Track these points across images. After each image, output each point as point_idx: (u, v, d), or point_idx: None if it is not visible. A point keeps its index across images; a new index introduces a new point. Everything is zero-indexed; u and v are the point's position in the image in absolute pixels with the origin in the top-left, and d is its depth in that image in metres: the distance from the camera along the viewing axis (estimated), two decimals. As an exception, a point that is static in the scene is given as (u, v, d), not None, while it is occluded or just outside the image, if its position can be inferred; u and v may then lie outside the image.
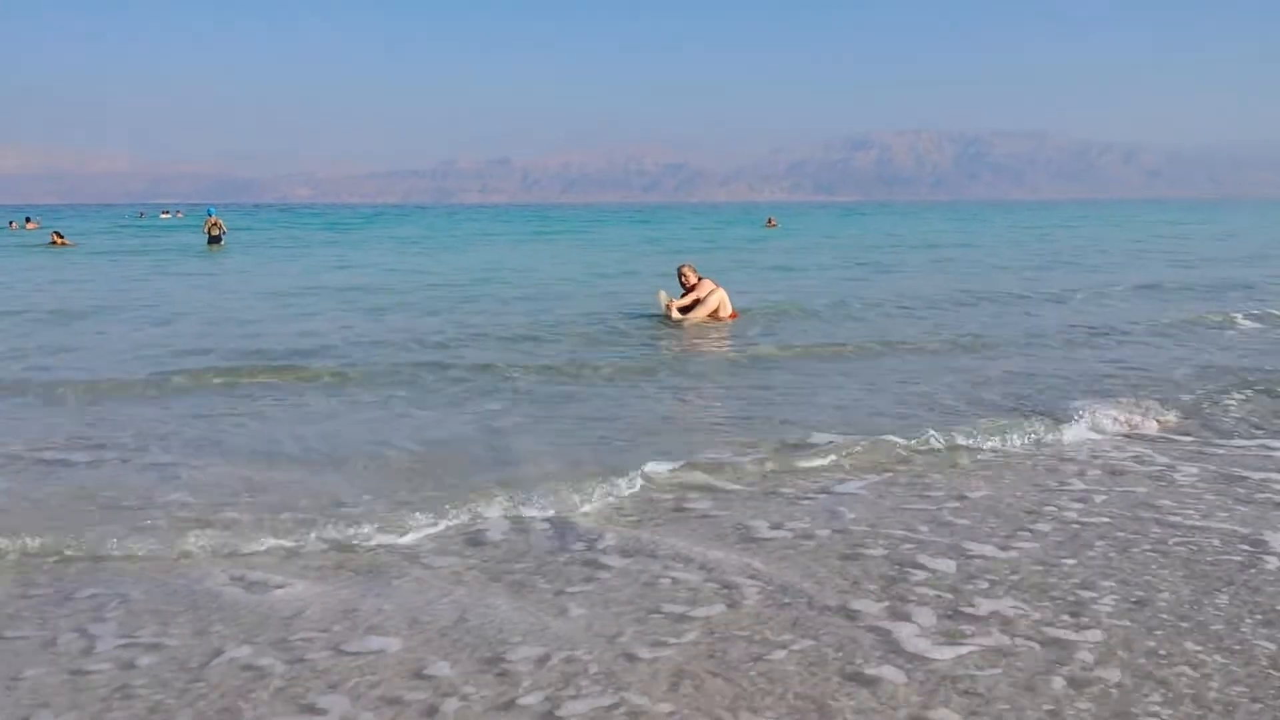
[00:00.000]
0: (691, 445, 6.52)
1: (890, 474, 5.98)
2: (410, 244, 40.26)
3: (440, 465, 6.17)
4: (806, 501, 5.43)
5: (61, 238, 37.16)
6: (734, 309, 13.43)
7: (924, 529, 4.92)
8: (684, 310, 13.16)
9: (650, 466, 5.92)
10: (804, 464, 6.15)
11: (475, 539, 4.87)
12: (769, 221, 60.39)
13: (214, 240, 36.25)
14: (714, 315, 13.18)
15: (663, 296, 13.49)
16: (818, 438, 6.62)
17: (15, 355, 10.73)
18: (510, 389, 8.65)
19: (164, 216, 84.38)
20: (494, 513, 5.19)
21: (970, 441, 6.60)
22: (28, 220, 60.26)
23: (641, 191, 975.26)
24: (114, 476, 5.99)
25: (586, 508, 5.30)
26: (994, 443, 6.60)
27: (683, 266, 13.79)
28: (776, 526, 4.99)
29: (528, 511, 5.21)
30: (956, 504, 5.34)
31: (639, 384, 8.93)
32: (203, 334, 12.31)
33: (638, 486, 5.67)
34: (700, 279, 13.49)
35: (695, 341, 11.75)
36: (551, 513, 5.21)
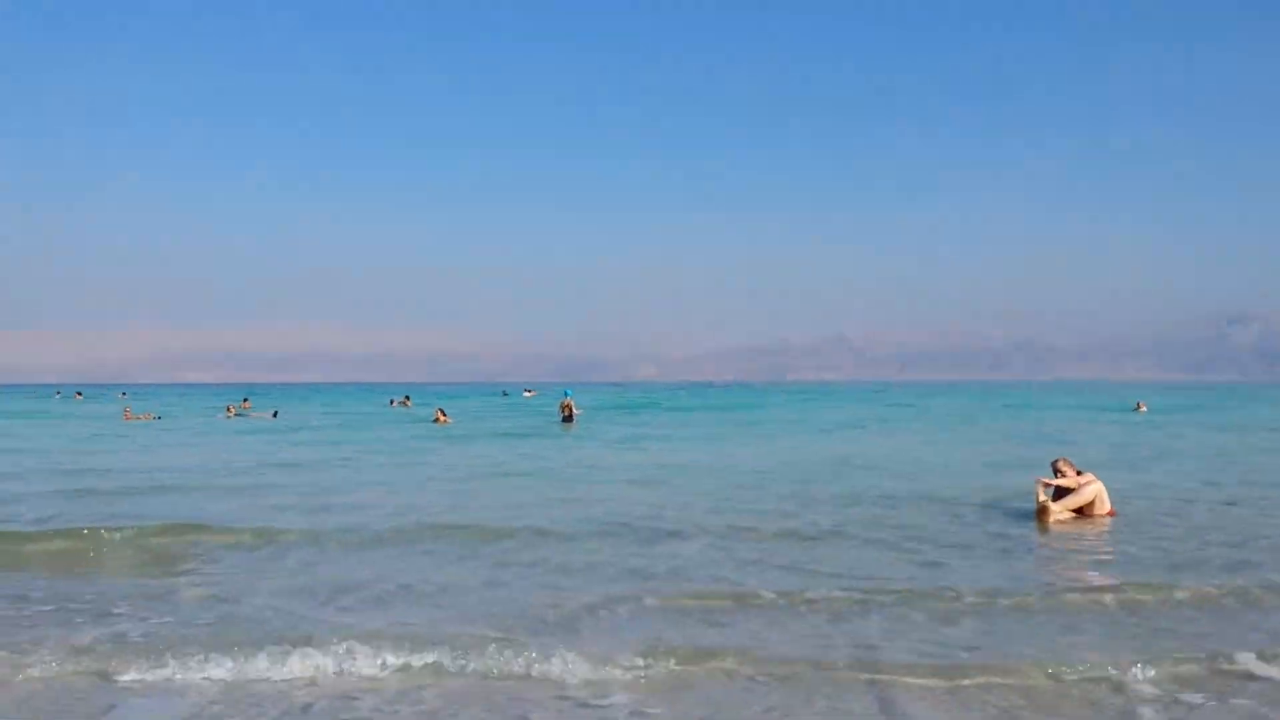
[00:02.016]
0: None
1: None
2: (761, 423, 39.66)
3: None
4: None
5: (445, 415, 39.91)
6: (1111, 506, 12.26)
7: None
8: (1058, 494, 12.09)
9: None
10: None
11: None
12: (1138, 406, 54.53)
13: (567, 419, 37.70)
14: (1088, 509, 12.03)
15: (1040, 492, 12.16)
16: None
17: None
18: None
19: (526, 395, 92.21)
20: None
21: None
22: (406, 398, 67.64)
23: (986, 368, 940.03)
24: None
25: None
26: None
27: (1058, 461, 12.87)
28: None
29: None
30: None
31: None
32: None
33: None
34: (1079, 474, 12.48)
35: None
36: None
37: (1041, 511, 11.90)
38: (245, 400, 65.94)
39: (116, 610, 8.01)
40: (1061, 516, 11.94)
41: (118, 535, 11.31)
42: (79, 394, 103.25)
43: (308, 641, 6.77)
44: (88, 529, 11.53)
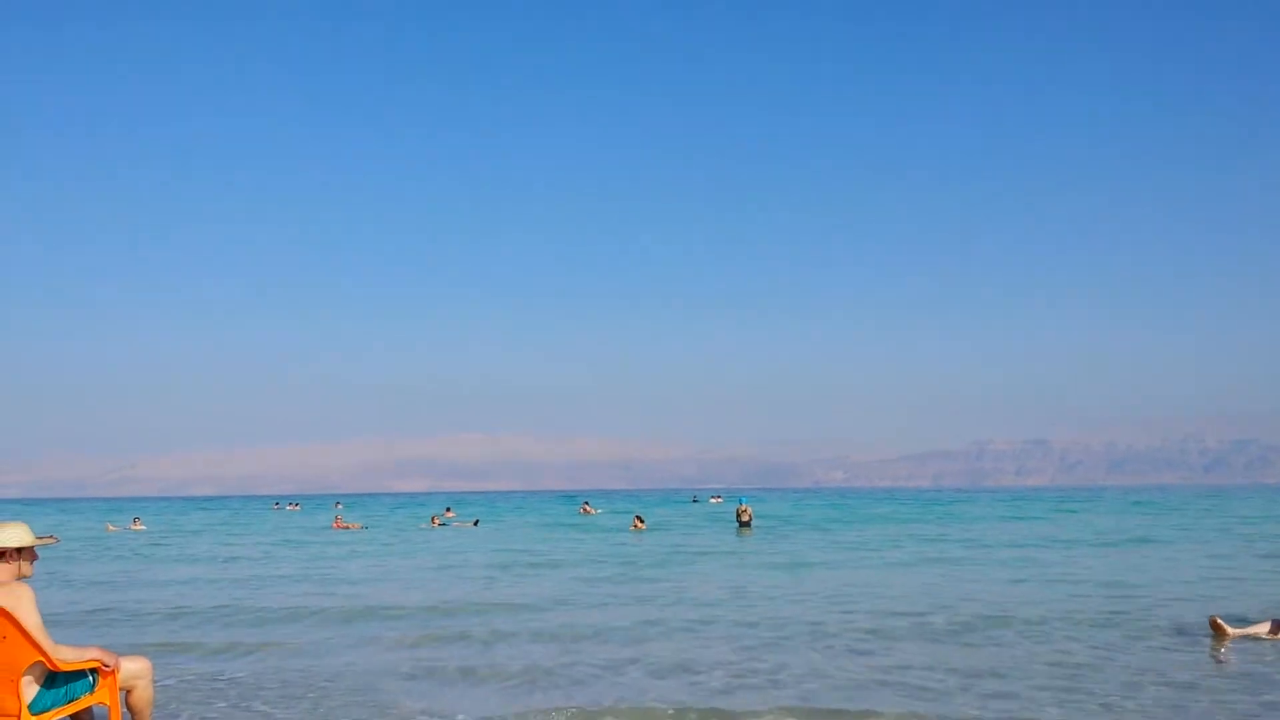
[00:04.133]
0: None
1: None
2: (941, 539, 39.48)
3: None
4: None
5: (641, 522, 41.62)
6: None
7: None
8: None
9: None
10: None
11: None
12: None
13: (744, 525, 38.93)
14: None
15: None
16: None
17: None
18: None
19: (713, 501, 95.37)
20: None
21: None
22: (586, 503, 70.95)
23: (1202, 471, 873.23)
24: None
25: None
26: None
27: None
28: None
29: None
30: None
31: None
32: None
33: None
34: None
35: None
36: None
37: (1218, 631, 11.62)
38: (448, 509, 69.70)
39: None
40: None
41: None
42: (296, 505, 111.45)
43: None
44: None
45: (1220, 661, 10.39)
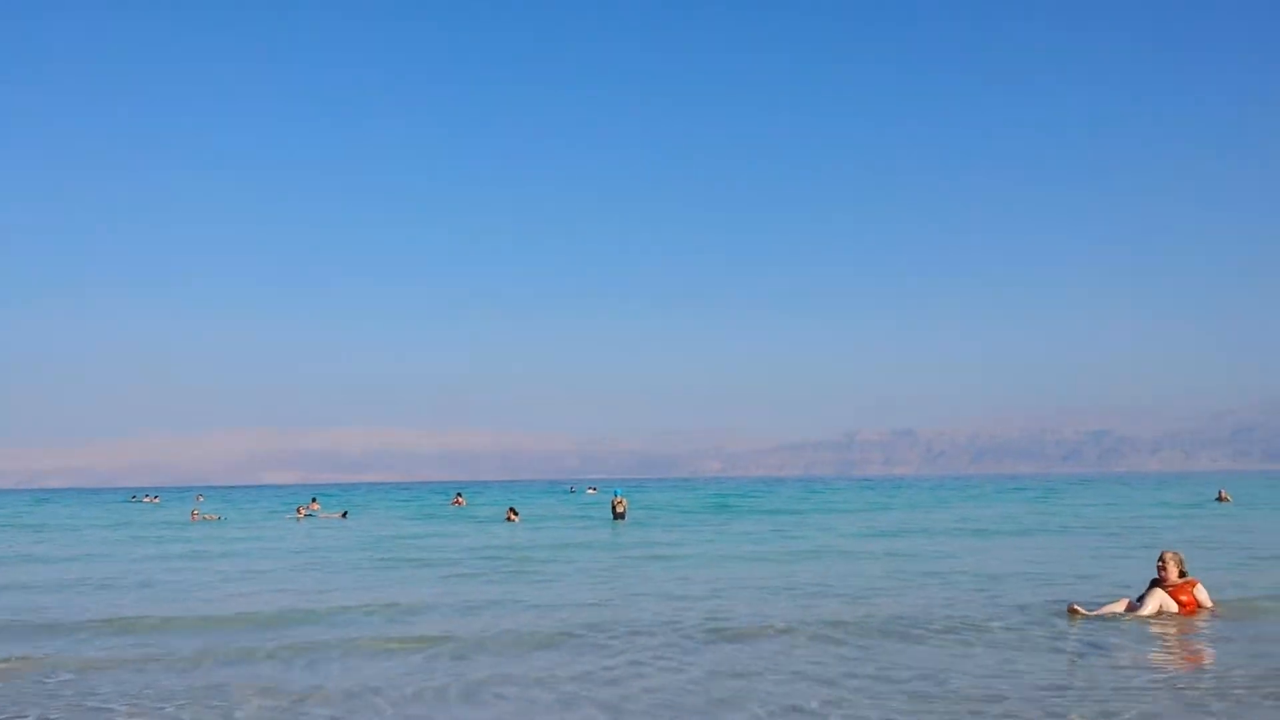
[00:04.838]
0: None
1: None
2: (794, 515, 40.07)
3: None
4: None
5: (515, 514, 41.59)
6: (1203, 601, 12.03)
7: None
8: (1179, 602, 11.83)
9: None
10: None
11: None
12: (1220, 495, 53.59)
13: (618, 516, 38.93)
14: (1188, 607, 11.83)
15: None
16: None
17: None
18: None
19: (590, 492, 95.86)
20: None
21: None
22: (459, 495, 70.28)
23: (1059, 461, 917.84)
24: None
25: None
26: None
27: (1166, 552, 12.38)
28: None
29: None
30: None
31: None
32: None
33: None
34: (1183, 575, 12.13)
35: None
36: None
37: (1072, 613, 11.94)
38: (314, 501, 67.87)
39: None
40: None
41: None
42: (155, 497, 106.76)
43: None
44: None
45: (1079, 644, 10.41)
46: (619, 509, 39.42)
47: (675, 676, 9.19)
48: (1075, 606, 12.08)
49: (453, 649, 10.71)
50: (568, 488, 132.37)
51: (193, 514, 52.83)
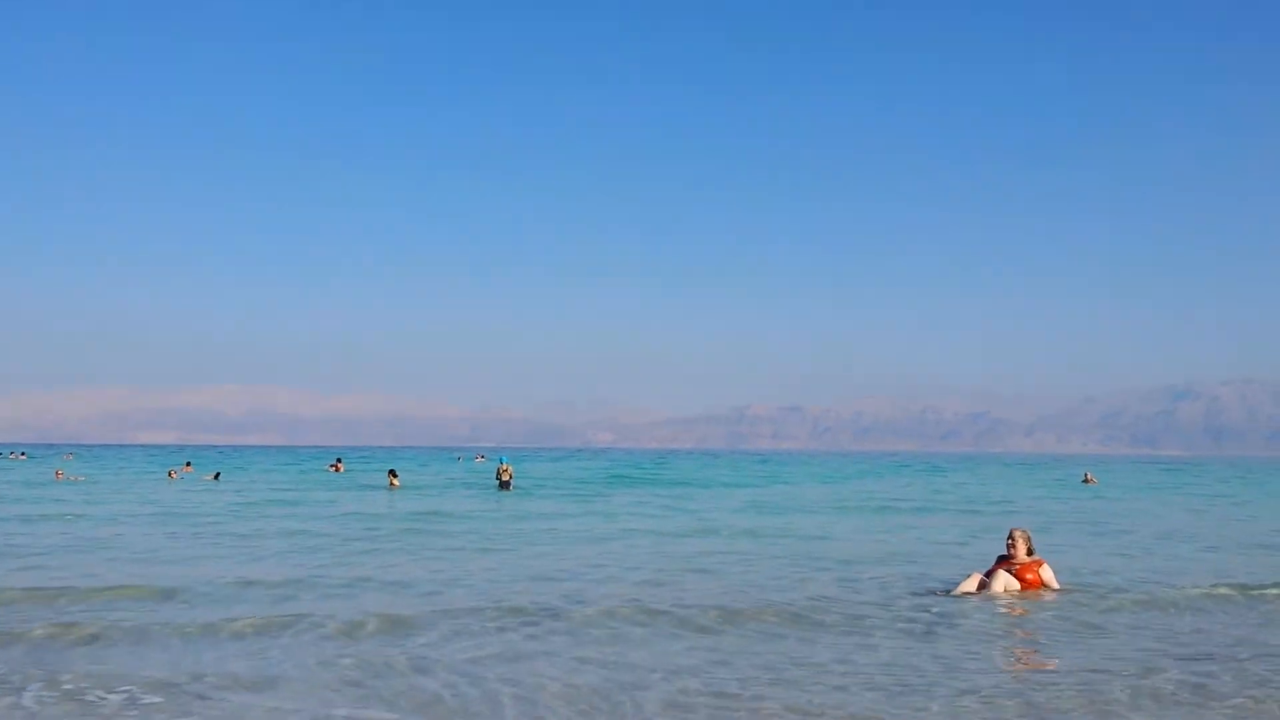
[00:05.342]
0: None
1: None
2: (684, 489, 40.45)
3: None
4: None
5: (395, 478, 41.18)
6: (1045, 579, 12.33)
7: None
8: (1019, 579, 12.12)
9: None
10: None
11: None
12: (1086, 477, 56.00)
13: (504, 485, 38.49)
14: (1031, 586, 12.18)
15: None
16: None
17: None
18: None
19: (478, 460, 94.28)
20: None
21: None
22: (338, 460, 68.76)
23: (939, 440, 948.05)
24: None
25: None
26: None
27: (1016, 530, 12.70)
28: None
29: None
30: None
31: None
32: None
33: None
34: (1030, 553, 12.45)
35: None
36: None
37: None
38: (188, 464, 65.80)
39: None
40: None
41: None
42: (22, 454, 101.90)
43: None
44: None
45: (938, 623, 10.54)
46: (504, 477, 39.02)
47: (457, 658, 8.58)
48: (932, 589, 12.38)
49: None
50: (455, 456, 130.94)
51: (57, 473, 50.62)
